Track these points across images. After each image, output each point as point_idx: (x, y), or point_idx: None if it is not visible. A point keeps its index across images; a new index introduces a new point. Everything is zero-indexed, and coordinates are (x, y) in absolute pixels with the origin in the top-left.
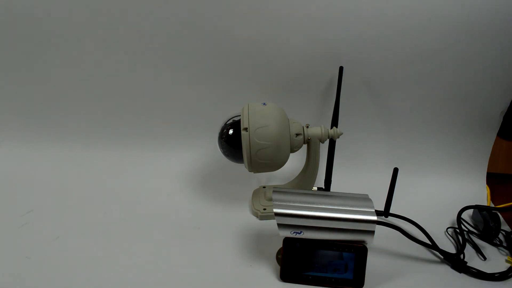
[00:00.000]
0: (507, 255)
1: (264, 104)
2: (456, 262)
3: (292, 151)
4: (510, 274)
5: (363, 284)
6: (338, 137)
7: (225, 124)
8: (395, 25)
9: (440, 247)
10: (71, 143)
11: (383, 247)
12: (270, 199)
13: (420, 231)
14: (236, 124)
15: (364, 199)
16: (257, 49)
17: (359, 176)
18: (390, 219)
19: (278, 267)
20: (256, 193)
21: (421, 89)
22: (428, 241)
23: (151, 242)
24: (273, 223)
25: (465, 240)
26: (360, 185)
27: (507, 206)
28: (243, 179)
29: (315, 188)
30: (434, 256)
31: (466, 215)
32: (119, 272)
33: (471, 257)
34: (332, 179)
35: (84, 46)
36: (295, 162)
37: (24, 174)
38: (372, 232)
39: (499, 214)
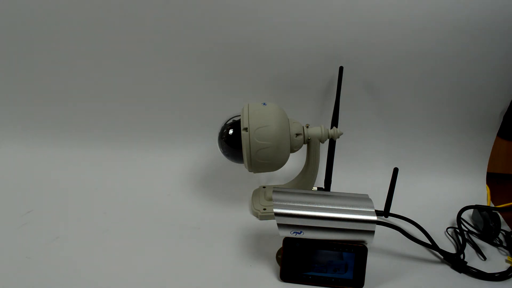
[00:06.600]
0: (507, 255)
1: (264, 104)
2: (456, 262)
3: (292, 151)
4: (510, 274)
5: (363, 284)
6: (338, 137)
7: (225, 124)
8: (395, 25)
9: (440, 247)
10: (71, 143)
11: (383, 247)
12: (270, 199)
13: (420, 231)
14: (236, 124)
15: (364, 199)
16: (257, 49)
17: (359, 176)
18: (390, 219)
19: (278, 267)
20: (256, 193)
21: (421, 89)
22: (428, 241)
23: (151, 242)
24: (273, 223)
25: (465, 240)
26: (360, 185)
27: (507, 206)
28: (243, 179)
29: (315, 188)
30: (434, 256)
31: (466, 215)
32: (119, 272)
33: (471, 257)
34: (332, 179)
35: (84, 46)
36: (295, 162)
37: (24, 174)
38: (372, 232)
39: (499, 214)
